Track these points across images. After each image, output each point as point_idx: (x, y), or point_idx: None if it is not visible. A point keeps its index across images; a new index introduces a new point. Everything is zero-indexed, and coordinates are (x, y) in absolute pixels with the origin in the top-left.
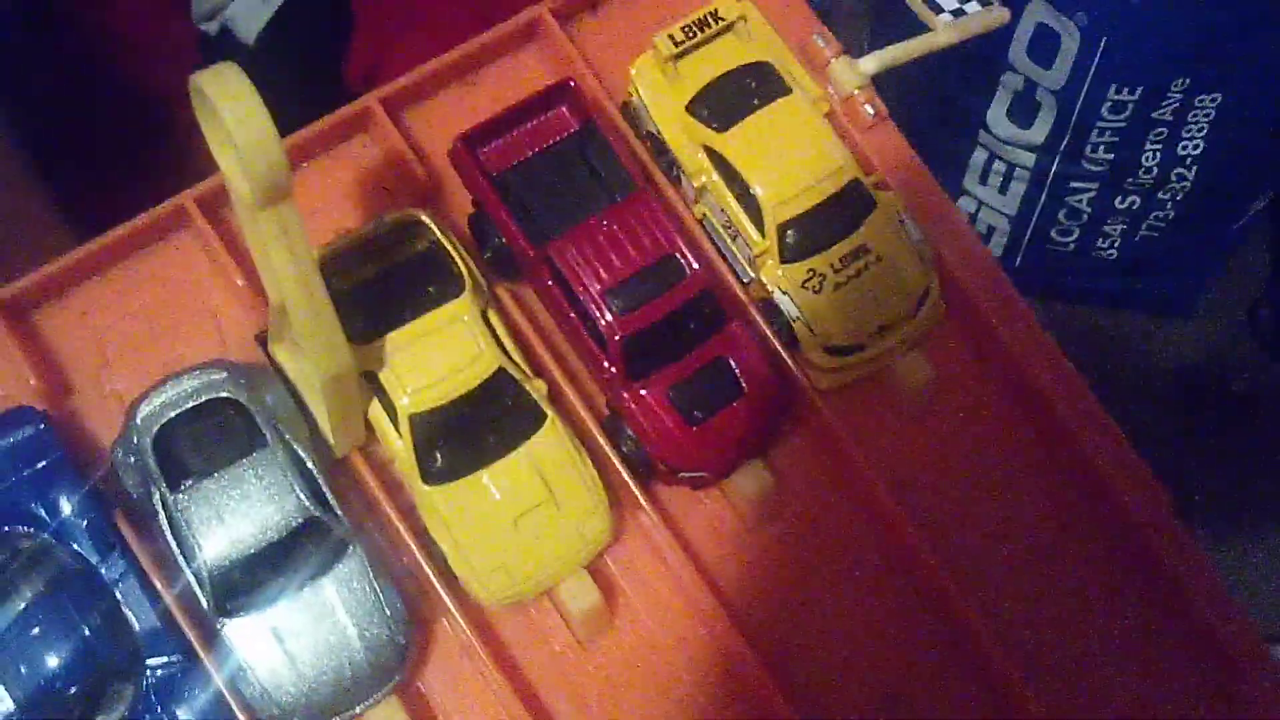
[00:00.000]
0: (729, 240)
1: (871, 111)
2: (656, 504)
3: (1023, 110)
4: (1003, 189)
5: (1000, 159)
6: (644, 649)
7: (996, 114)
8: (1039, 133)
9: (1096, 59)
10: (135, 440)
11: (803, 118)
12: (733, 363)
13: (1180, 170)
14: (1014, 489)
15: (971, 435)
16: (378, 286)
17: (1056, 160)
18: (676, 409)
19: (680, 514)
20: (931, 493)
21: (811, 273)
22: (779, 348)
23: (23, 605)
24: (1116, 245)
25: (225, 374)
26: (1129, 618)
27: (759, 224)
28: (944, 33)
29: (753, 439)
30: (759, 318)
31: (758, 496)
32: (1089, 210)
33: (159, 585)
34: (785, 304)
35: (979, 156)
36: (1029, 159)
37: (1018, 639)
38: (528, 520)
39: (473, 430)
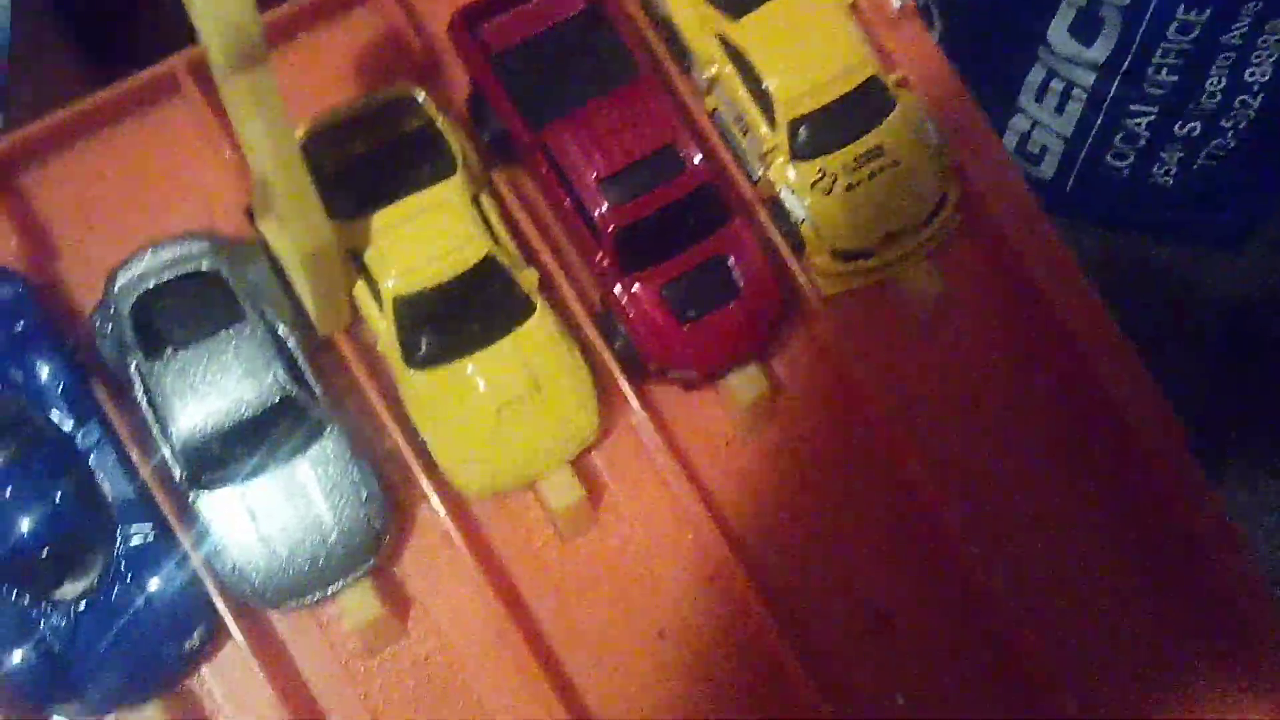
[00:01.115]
0: (739, 135)
1: (898, 4)
2: (647, 403)
3: (1086, 26)
4: (1059, 109)
5: (1058, 77)
6: (626, 549)
7: (1058, 29)
8: (1101, 51)
9: None
10: (113, 308)
11: (823, 7)
12: (731, 262)
13: (1245, 98)
14: (1018, 410)
15: (978, 353)
16: (367, 164)
17: (1117, 81)
18: (669, 306)
19: (671, 415)
20: (931, 409)
21: (822, 172)
22: (783, 249)
23: None
24: (1173, 174)
25: (206, 245)
26: (1125, 545)
27: (770, 119)
28: None
29: (747, 341)
30: (765, 217)
31: (752, 402)
32: (1147, 135)
33: (134, 455)
34: (793, 203)
35: (1036, 74)
36: (1088, 78)
37: (1009, 559)
38: (512, 411)
39: (459, 316)
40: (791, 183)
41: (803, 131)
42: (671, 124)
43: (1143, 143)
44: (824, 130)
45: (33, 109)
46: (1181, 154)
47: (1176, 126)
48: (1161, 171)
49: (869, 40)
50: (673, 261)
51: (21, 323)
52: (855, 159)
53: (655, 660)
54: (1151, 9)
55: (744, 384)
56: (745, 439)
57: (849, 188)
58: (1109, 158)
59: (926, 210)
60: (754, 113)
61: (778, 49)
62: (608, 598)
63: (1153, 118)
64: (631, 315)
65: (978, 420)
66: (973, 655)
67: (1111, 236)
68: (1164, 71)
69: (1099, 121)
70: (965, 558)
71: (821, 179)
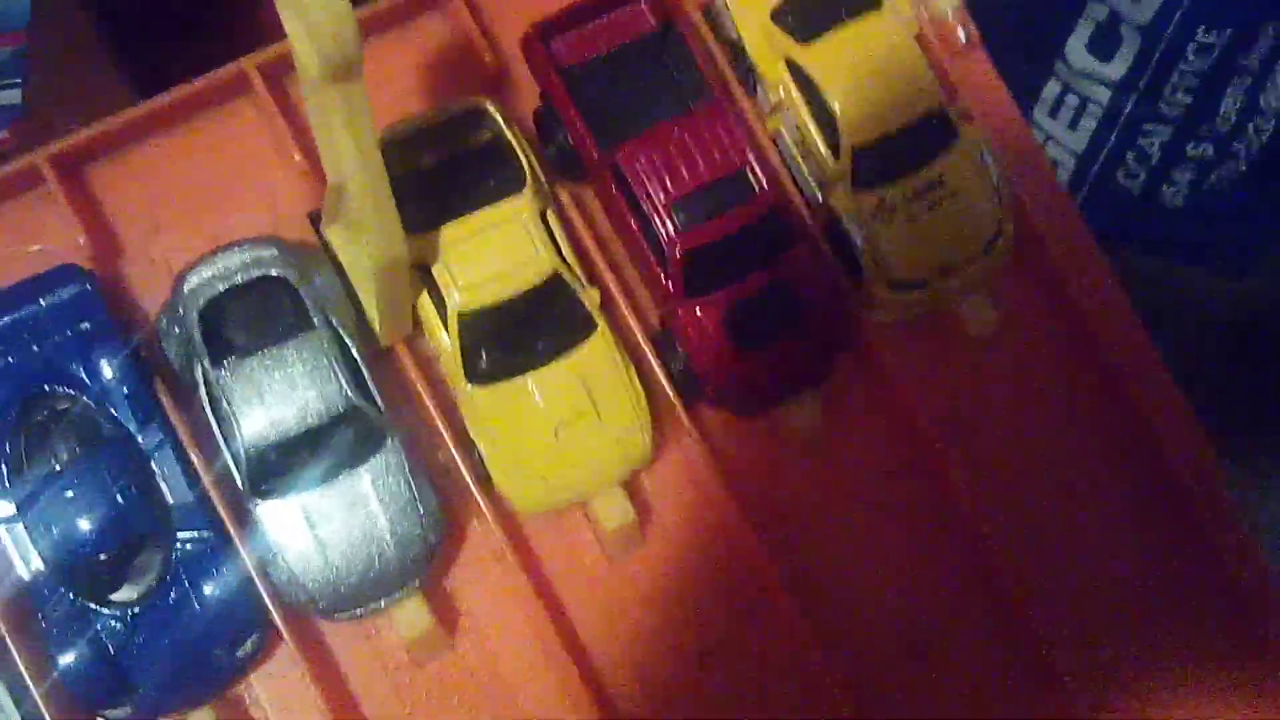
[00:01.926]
0: (800, 160)
1: (964, 37)
2: (700, 426)
3: (1104, 43)
4: (1073, 124)
5: (1074, 92)
6: (673, 571)
7: (1076, 45)
8: (1118, 68)
9: None
10: (181, 311)
11: (891, 37)
12: (794, 290)
13: (1258, 122)
14: (1066, 443)
15: (1027, 385)
16: (436, 175)
17: (1132, 99)
18: (731, 332)
19: (723, 438)
20: (981, 440)
21: (883, 201)
22: (841, 277)
23: (58, 467)
24: (1183, 194)
25: (276, 252)
26: (1163, 576)
27: (834, 145)
28: None
29: (806, 372)
30: (824, 243)
31: (805, 430)
32: (1159, 155)
33: (195, 460)
34: (853, 231)
35: (1052, 88)
36: (1104, 95)
37: (1052, 590)
38: (568, 430)
39: (521, 333)
40: (852, 210)
41: (866, 160)
42: (742, 148)
43: (1155, 162)
44: (886, 159)
45: (52, 86)
46: (1193, 175)
47: (1189, 147)
48: (1172, 191)
49: (934, 70)
50: (737, 286)
51: (87, 321)
52: (916, 190)
53: (698, 683)
54: (1171, 29)
55: (799, 412)
56: (797, 466)
57: (909, 218)
58: (1121, 175)
59: (983, 243)
60: (818, 138)
61: (845, 76)
62: (653, 619)
63: (1166, 137)
64: (692, 339)
65: (1026, 452)
66: (1012, 683)
67: (1120, 254)
68: (1180, 92)
69: (1112, 139)
70: (1009, 587)
71: (882, 208)
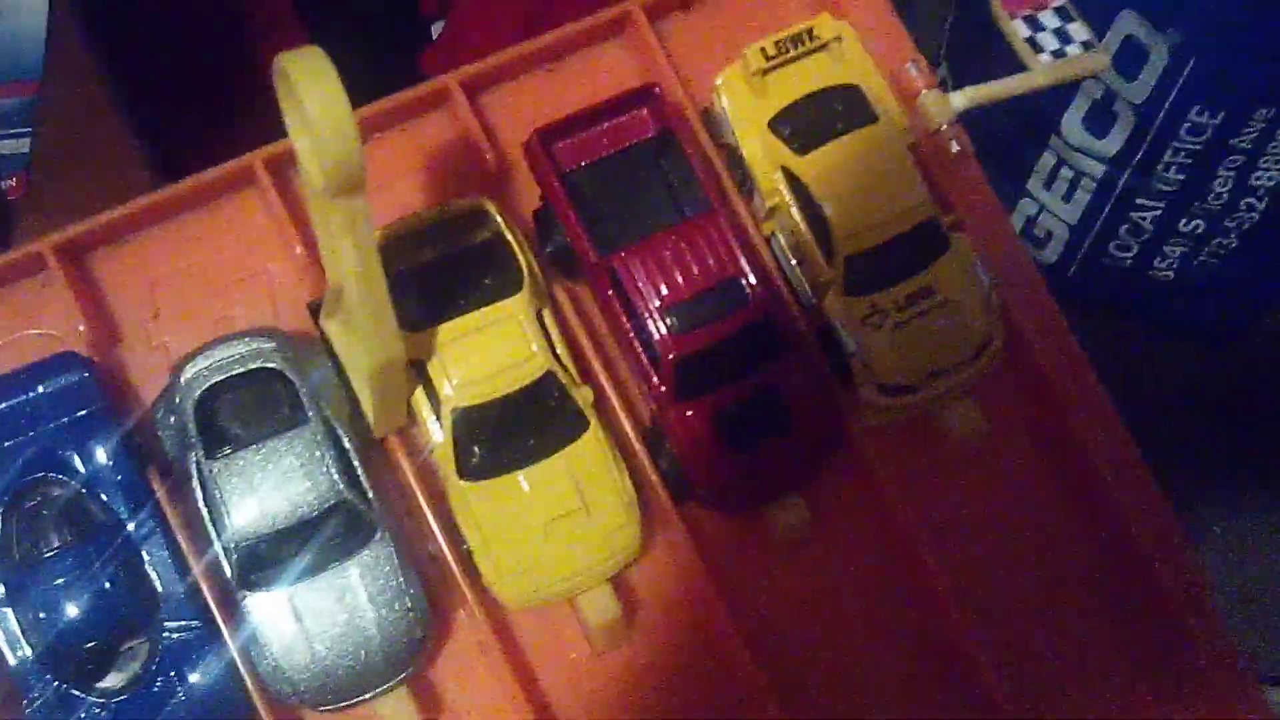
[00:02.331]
0: (794, 263)
1: (957, 148)
2: (688, 524)
3: (1099, 119)
4: (1067, 196)
5: (1068, 165)
6: (658, 668)
7: (1072, 120)
8: (1112, 144)
9: (1182, 78)
10: (177, 401)
11: (886, 148)
12: (783, 394)
13: (1250, 200)
14: (1051, 549)
15: (1014, 490)
16: (435, 273)
17: (1126, 174)
18: (721, 435)
19: (711, 537)
20: (965, 543)
21: (874, 308)
22: (831, 380)
23: (48, 553)
24: (1174, 267)
25: (274, 344)
26: (1149, 689)
27: (828, 252)
28: (1041, 75)
29: (794, 475)
30: (816, 345)
31: (792, 530)
32: (1151, 229)
33: (185, 549)
34: (844, 336)
35: (1047, 160)
36: (1098, 169)
37: (1041, 703)
38: (558, 526)
39: (514, 430)
40: (843, 316)
41: (858, 267)
42: (736, 257)
43: (1147, 236)
44: (879, 267)
45: (63, 130)
46: (1184, 249)
47: (1181, 223)
48: (1164, 265)
49: (927, 181)
50: (727, 390)
51: (84, 409)
52: (907, 297)
53: None
54: (1166, 108)
55: (786, 513)
56: (784, 566)
57: (898, 325)
58: (1113, 248)
59: (972, 349)
60: (812, 245)
61: (840, 186)
62: (638, 716)
63: (1159, 212)
64: (682, 440)
65: (1011, 556)
66: None
67: (1107, 323)
68: (1173, 170)
69: (1105, 212)
70: (992, 693)
71: (873, 315)
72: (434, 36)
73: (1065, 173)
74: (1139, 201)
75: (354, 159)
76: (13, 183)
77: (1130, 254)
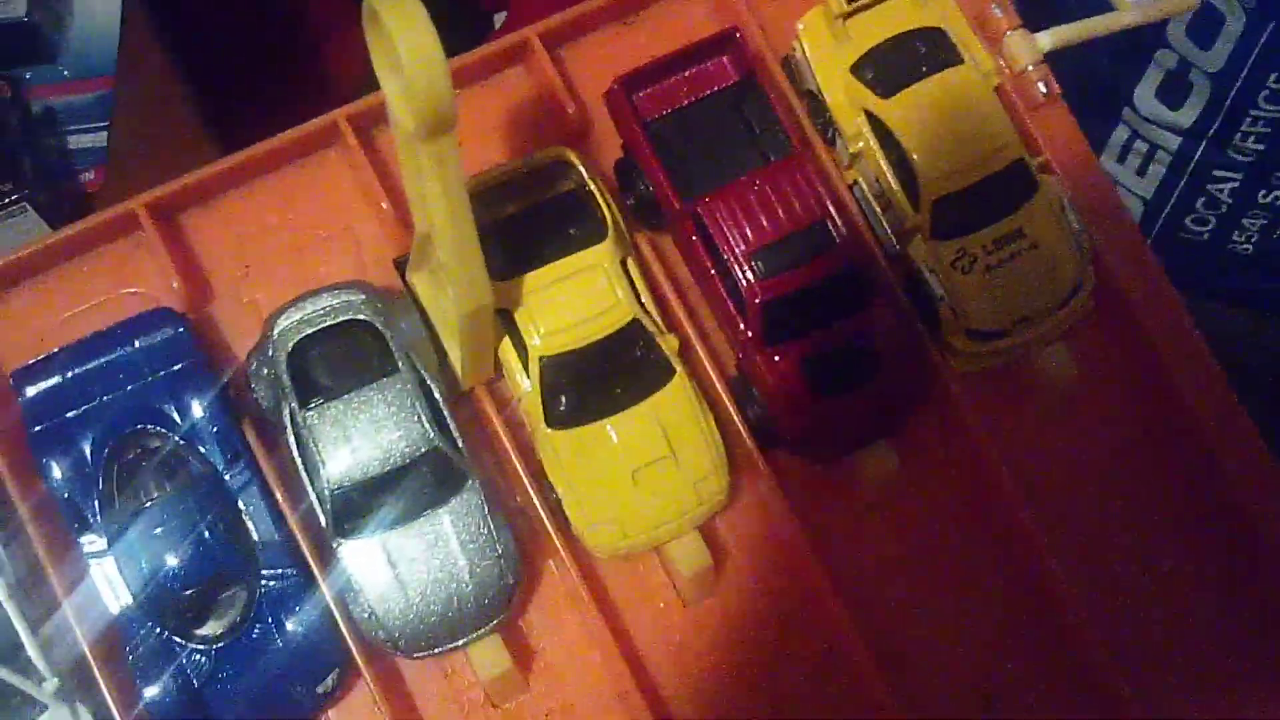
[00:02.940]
0: (879, 210)
1: (1044, 90)
2: (776, 472)
3: (1173, 90)
4: (1141, 170)
5: (1142, 139)
6: (747, 618)
7: (1145, 92)
8: (1188, 115)
9: (1260, 44)
10: (270, 353)
11: (971, 90)
12: (871, 340)
13: None
14: (1144, 495)
15: (1107, 439)
16: (520, 224)
17: (1202, 146)
18: (808, 380)
19: (798, 486)
20: (1057, 490)
21: (962, 252)
22: (918, 327)
23: (148, 504)
24: (1253, 240)
25: (363, 296)
26: (1242, 637)
27: (913, 197)
28: (1130, 13)
29: (883, 422)
30: (901, 293)
31: (880, 478)
32: (1229, 201)
33: (280, 499)
34: (931, 282)
35: (1120, 134)
36: (1173, 142)
37: (1127, 651)
38: (646, 474)
39: (601, 378)
40: (931, 261)
41: (945, 211)
42: (823, 200)
43: (1225, 209)
44: (966, 211)
45: (138, 125)
46: (1264, 221)
47: (1260, 194)
48: (1242, 239)
49: (1014, 123)
50: (815, 336)
51: (180, 363)
52: (995, 241)
53: None
54: (1243, 76)
55: (875, 462)
56: (872, 514)
57: (988, 269)
58: (1189, 222)
59: (1063, 294)
60: (897, 190)
61: (925, 129)
62: (727, 665)
63: (1236, 184)
64: (770, 386)
65: (1103, 505)
66: None
67: (1188, 300)
68: (1251, 139)
69: (1181, 185)
70: (1084, 644)
71: (961, 259)
72: (496, 27)
73: (1139, 146)
74: (1216, 173)
75: (445, 97)
76: (90, 176)
77: (1207, 228)
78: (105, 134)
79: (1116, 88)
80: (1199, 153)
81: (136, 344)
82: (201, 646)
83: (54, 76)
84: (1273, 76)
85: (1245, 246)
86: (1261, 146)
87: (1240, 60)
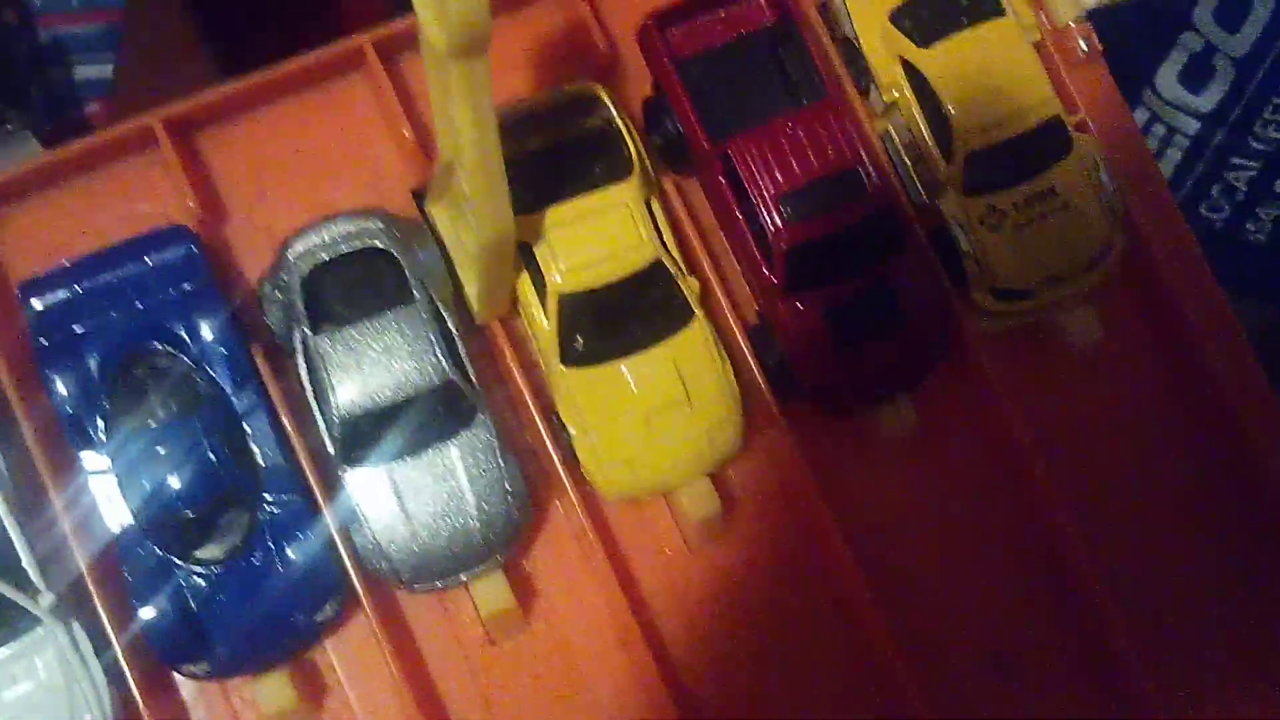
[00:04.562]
0: (909, 162)
1: (1084, 47)
2: (792, 423)
3: (1196, 74)
4: (1158, 154)
5: (1161, 122)
6: (754, 567)
7: (1167, 75)
8: (1209, 100)
9: None
10: (285, 276)
11: (1011, 43)
12: (897, 292)
13: None
14: (1163, 462)
15: (1129, 402)
16: (544, 158)
17: (1221, 132)
18: (831, 330)
19: (814, 437)
20: (1077, 456)
21: (992, 209)
22: (945, 282)
23: (153, 424)
24: (1266, 231)
25: (381, 224)
26: (1256, 602)
27: (946, 149)
28: None
29: (905, 375)
30: (928, 248)
31: (898, 434)
32: (1245, 190)
33: (287, 424)
34: (960, 237)
35: (1139, 116)
36: (1192, 126)
37: (1139, 612)
38: (660, 418)
39: (619, 318)
40: (960, 217)
41: (978, 165)
42: (856, 146)
43: (1240, 197)
44: (999, 166)
45: (144, 59)
46: (1278, 212)
47: (1277, 184)
48: (1255, 229)
49: (1052, 80)
50: (840, 285)
51: (191, 282)
52: (1027, 198)
53: (776, 681)
54: (1268, 62)
55: (893, 416)
56: (887, 470)
57: (1017, 227)
58: (1203, 209)
59: (1092, 256)
60: (929, 142)
61: (963, 79)
62: (732, 612)
63: (1254, 173)
64: (791, 334)
65: (1123, 469)
66: (1093, 702)
67: None
68: (1272, 128)
69: (1198, 171)
70: (1098, 605)
71: (991, 215)
72: None
73: (1158, 129)
74: (1234, 161)
75: (480, 13)
76: (95, 108)
77: (1222, 216)
78: (111, 66)
79: (1138, 69)
80: (1218, 138)
81: (148, 261)
82: (200, 569)
83: (62, 5)
84: None
85: (1259, 236)
86: None
87: (1266, 45)
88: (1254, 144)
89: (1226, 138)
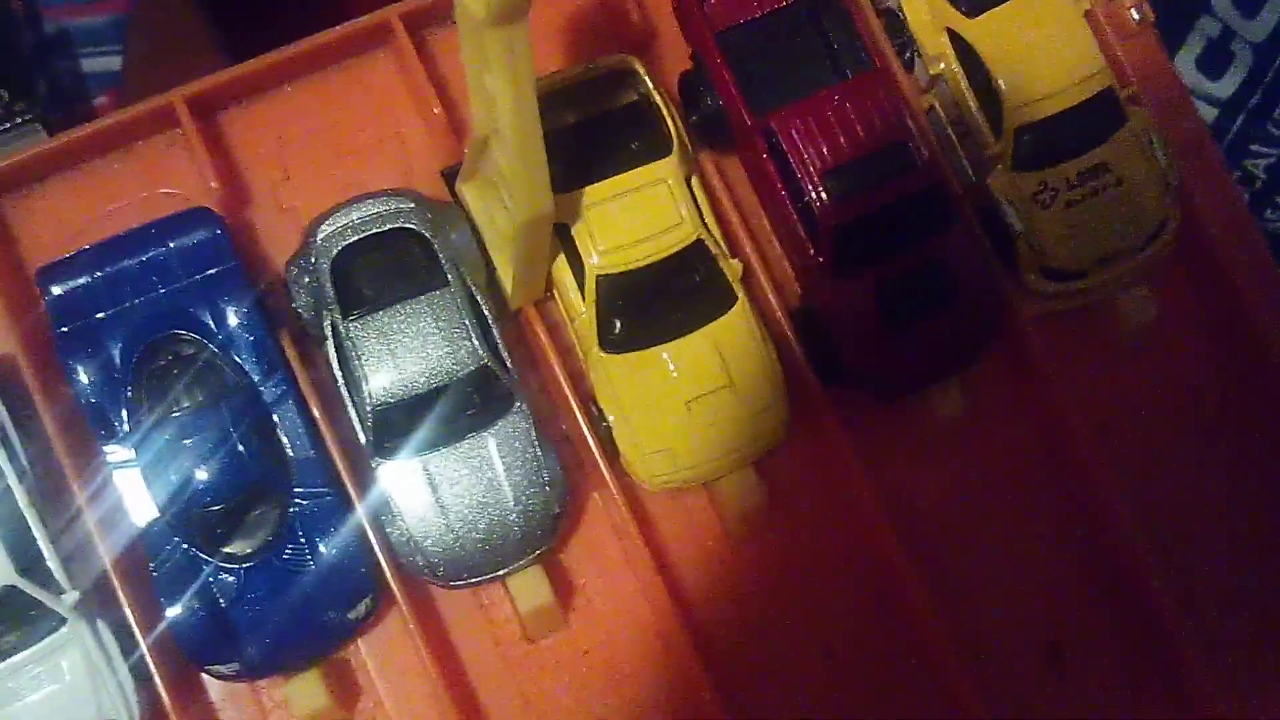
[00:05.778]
0: (956, 138)
1: (1137, 17)
2: (838, 408)
3: (1214, 60)
4: None
5: None
6: (799, 558)
7: (1184, 60)
8: (1227, 86)
9: None
10: (313, 259)
11: (1062, 13)
12: (947, 272)
13: None
14: (1217, 446)
15: (1184, 386)
16: (579, 135)
17: (1240, 119)
18: (880, 311)
19: (861, 423)
20: (1130, 440)
21: (1044, 185)
22: (992, 262)
23: (179, 414)
24: None
25: (413, 204)
26: None
27: (996, 124)
28: None
29: (956, 357)
30: (976, 226)
31: (946, 419)
32: (1263, 177)
33: (317, 415)
34: (1009, 215)
35: None
36: (1210, 113)
37: (1194, 601)
38: (702, 405)
39: (659, 301)
40: (1010, 193)
41: (1028, 140)
42: (904, 120)
43: (1259, 184)
44: (1051, 140)
45: (154, 51)
46: None
47: None
48: (1274, 216)
49: (1104, 51)
50: (888, 263)
51: (216, 267)
52: (1080, 174)
53: (821, 677)
54: None
55: (942, 401)
56: (935, 457)
57: (1069, 204)
58: None
59: (1146, 234)
60: (978, 116)
61: (1012, 51)
62: (776, 606)
63: (1272, 160)
64: (839, 316)
65: (1177, 453)
66: (1146, 693)
67: None
68: None
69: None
70: (1152, 594)
71: (1042, 192)
72: None
73: None
74: (1252, 148)
75: None
76: (104, 100)
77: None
78: (119, 58)
79: None
80: (1236, 125)
81: (171, 244)
82: (229, 565)
83: None
84: None
85: (1277, 224)
86: None
87: None
88: (1273, 130)
89: (1245, 125)
